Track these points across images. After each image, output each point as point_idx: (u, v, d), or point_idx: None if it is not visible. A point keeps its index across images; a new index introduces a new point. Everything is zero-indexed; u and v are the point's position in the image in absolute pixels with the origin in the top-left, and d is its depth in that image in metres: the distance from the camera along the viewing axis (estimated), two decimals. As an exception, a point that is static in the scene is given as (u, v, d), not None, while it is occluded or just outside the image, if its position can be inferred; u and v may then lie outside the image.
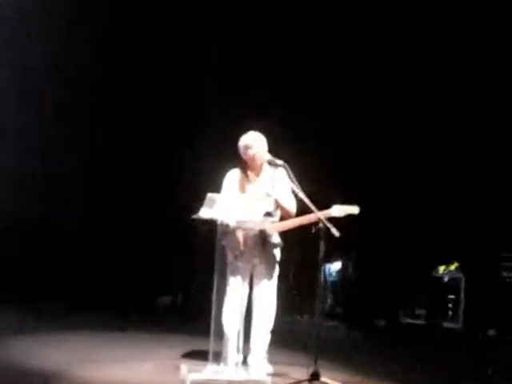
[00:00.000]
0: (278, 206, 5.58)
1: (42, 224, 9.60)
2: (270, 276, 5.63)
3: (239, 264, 5.49)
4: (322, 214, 5.18)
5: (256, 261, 5.55)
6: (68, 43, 9.60)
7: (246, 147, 5.56)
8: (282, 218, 5.61)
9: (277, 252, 5.67)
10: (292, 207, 5.58)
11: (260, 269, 5.60)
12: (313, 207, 5.20)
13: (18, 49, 9.31)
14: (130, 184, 10.12)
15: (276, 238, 5.65)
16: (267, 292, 5.62)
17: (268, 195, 5.53)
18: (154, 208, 10.09)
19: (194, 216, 5.04)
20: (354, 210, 5.43)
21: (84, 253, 9.76)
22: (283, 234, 5.70)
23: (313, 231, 5.11)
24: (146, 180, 10.06)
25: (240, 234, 5.45)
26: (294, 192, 5.40)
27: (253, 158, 5.55)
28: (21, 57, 9.35)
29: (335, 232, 5.06)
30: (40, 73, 9.40)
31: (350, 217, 5.44)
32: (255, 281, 5.63)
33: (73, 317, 8.16)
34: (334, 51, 9.82)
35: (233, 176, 5.66)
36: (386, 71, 9.83)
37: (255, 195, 5.50)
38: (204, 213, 4.96)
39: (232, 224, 5.34)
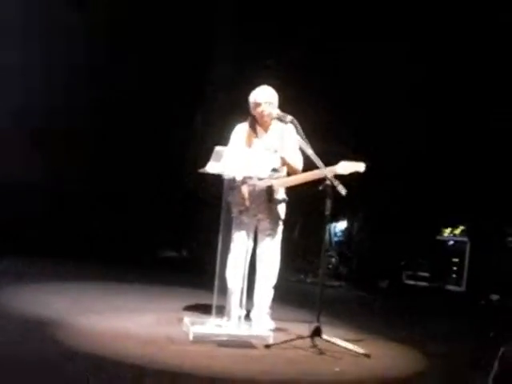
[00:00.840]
0: (284, 162, 5.54)
1: (54, 182, 9.62)
2: (275, 232, 5.62)
3: (244, 219, 5.47)
4: (327, 171, 5.13)
5: (261, 216, 5.54)
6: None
7: (256, 102, 5.51)
8: (288, 175, 5.58)
9: (282, 208, 5.65)
10: (298, 164, 5.55)
11: (264, 224, 5.59)
12: (320, 164, 5.15)
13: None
14: (137, 139, 10.07)
15: (281, 194, 5.62)
16: (271, 248, 5.62)
17: (275, 152, 5.48)
18: (161, 163, 10.06)
19: (201, 170, 4.99)
20: (360, 167, 5.37)
21: (91, 207, 9.77)
22: (289, 191, 5.67)
23: (320, 188, 5.07)
24: (154, 134, 10.01)
25: (245, 190, 5.42)
26: (301, 148, 5.35)
27: (262, 113, 5.50)
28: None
29: (342, 190, 5.01)
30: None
31: (356, 176, 5.38)
32: (259, 236, 5.62)
33: (77, 268, 8.20)
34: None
35: (241, 130, 5.62)
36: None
37: (262, 150, 5.45)
38: (211, 167, 4.91)
39: (238, 178, 5.31)
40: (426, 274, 10.29)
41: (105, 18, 9.83)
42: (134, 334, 4.94)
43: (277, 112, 5.44)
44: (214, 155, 4.90)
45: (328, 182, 5.03)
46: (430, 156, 9.86)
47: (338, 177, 5.15)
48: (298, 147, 5.47)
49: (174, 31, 9.95)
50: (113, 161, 10.02)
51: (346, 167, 5.29)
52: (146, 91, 10.00)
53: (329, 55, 9.72)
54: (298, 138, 5.30)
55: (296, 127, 5.30)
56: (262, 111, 5.49)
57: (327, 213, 5.07)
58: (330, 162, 5.27)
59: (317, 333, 4.99)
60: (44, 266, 8.07)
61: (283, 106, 5.55)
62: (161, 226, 10.13)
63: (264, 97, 5.51)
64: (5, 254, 8.03)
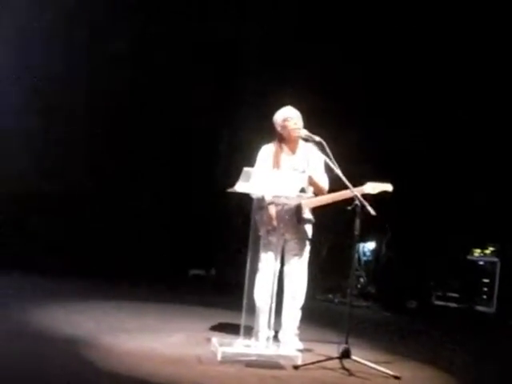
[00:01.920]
0: (311, 182, 5.54)
1: (81, 197, 9.70)
2: (302, 252, 5.61)
3: (271, 239, 5.47)
4: (356, 191, 5.14)
5: (288, 236, 5.54)
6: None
7: (285, 117, 5.55)
8: (315, 195, 5.58)
9: (309, 228, 5.66)
10: (325, 184, 5.57)
11: (291, 244, 5.59)
12: (348, 184, 5.16)
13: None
14: (167, 157, 10.14)
15: (308, 215, 5.62)
16: (298, 268, 5.61)
17: (303, 172, 5.49)
18: (190, 182, 10.11)
19: (230, 189, 5.01)
20: (388, 187, 5.39)
21: (120, 226, 9.83)
22: (317, 212, 5.67)
23: (349, 209, 5.07)
24: (182, 153, 10.07)
25: (273, 209, 5.43)
26: (329, 168, 5.35)
27: (292, 127, 5.51)
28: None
29: (371, 210, 5.01)
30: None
31: (385, 196, 5.38)
32: (286, 256, 5.61)
33: (106, 286, 8.25)
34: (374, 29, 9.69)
35: (267, 151, 5.64)
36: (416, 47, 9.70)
37: (289, 171, 5.46)
38: (240, 186, 4.93)
39: (268, 198, 5.32)
40: (455, 295, 10.16)
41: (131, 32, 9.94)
42: (163, 354, 4.94)
43: (305, 132, 5.45)
44: (242, 175, 4.91)
45: (357, 202, 5.02)
46: (461, 175, 9.79)
47: (366, 198, 5.15)
48: (324, 168, 5.48)
49: (199, 48, 10.03)
50: (141, 179, 10.09)
51: (374, 187, 5.32)
52: (173, 109, 10.09)
53: (354, 76, 9.71)
54: (326, 158, 5.30)
55: (324, 148, 5.30)
56: (294, 124, 5.51)
57: (356, 233, 5.06)
58: (357, 182, 5.28)
59: (346, 354, 4.95)
60: (73, 284, 8.13)
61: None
62: (190, 245, 10.15)
63: (294, 113, 5.55)
64: (33, 273, 8.13)
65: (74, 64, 9.56)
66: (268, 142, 5.71)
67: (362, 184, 5.35)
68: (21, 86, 9.21)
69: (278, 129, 5.61)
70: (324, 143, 5.29)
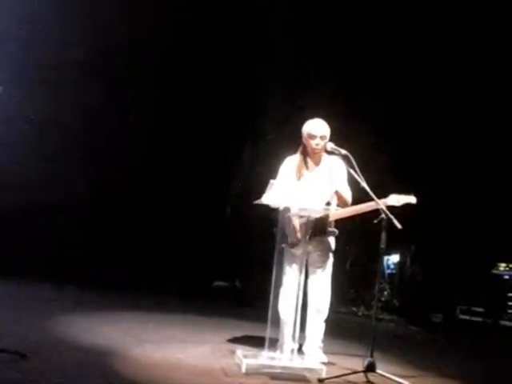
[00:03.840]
0: (337, 195, 5.55)
1: (105, 208, 9.79)
2: (325, 264, 5.61)
3: (296, 252, 5.47)
4: (380, 203, 5.14)
5: (311, 248, 5.53)
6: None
7: (311, 134, 5.54)
8: (339, 207, 5.58)
9: (332, 240, 5.65)
10: (349, 197, 5.57)
11: (315, 257, 5.58)
12: (374, 197, 5.16)
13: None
14: (189, 169, 10.19)
15: (332, 228, 5.62)
16: (322, 281, 5.59)
17: (327, 184, 5.50)
18: (215, 193, 10.15)
19: (256, 201, 5.03)
20: (412, 199, 5.39)
21: (145, 237, 9.89)
22: (340, 224, 5.67)
23: (375, 222, 5.07)
24: (207, 165, 10.12)
25: (297, 222, 5.43)
26: (354, 181, 5.36)
27: (315, 147, 5.52)
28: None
29: (397, 224, 5.00)
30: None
31: (410, 210, 5.38)
32: (310, 269, 5.59)
33: (131, 298, 8.30)
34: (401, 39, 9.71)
35: (291, 163, 5.65)
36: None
37: (313, 183, 5.47)
38: (266, 199, 4.95)
39: (294, 210, 5.33)
40: (480, 309, 10.09)
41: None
42: (188, 365, 4.96)
43: (331, 146, 5.45)
44: (269, 187, 4.94)
45: (383, 215, 5.03)
46: (487, 189, 9.73)
47: (395, 210, 5.16)
48: (347, 180, 5.50)
49: (222, 64, 10.09)
50: (166, 191, 10.15)
51: (399, 199, 5.33)
52: (195, 121, 10.16)
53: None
54: (351, 171, 5.30)
55: (350, 161, 5.30)
56: (316, 144, 5.52)
57: (383, 246, 5.05)
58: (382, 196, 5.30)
59: (371, 368, 4.94)
60: (99, 295, 8.20)
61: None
62: (214, 257, 10.19)
63: (319, 130, 5.52)
64: (61, 284, 8.21)
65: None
66: (292, 153, 5.72)
67: (385, 196, 5.36)
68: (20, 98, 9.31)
69: (303, 140, 5.63)
70: (350, 156, 5.30)
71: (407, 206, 5.38)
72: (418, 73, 9.65)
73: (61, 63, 9.46)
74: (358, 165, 5.25)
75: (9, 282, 8.26)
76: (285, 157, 5.71)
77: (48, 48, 9.36)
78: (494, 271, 10.22)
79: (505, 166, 9.71)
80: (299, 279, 5.37)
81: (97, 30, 9.42)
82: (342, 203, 5.57)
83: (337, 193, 5.53)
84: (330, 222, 5.57)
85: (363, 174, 5.24)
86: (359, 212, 5.49)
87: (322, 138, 5.50)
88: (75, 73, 9.60)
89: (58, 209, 9.48)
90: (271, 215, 5.28)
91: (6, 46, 9.01)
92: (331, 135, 5.53)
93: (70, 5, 9.46)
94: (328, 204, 5.33)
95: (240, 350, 5.19)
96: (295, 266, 5.46)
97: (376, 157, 8.69)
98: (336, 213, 5.53)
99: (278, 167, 5.67)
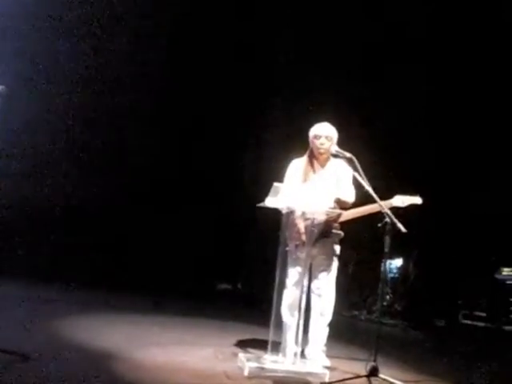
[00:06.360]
0: (337, 202, 5.52)
1: (111, 212, 9.79)
2: (329, 268, 5.59)
3: (300, 255, 5.45)
4: (383, 204, 5.13)
5: (315, 252, 5.51)
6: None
7: (316, 134, 5.55)
8: (341, 209, 5.57)
9: (336, 244, 5.64)
10: (350, 198, 5.55)
11: (319, 260, 5.56)
12: (378, 200, 5.15)
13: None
14: (194, 173, 10.19)
15: (336, 230, 5.60)
16: (326, 284, 5.58)
17: (332, 187, 5.49)
18: (217, 197, 10.14)
19: (260, 204, 5.02)
20: (417, 200, 5.39)
21: (148, 240, 9.88)
22: (343, 227, 5.65)
23: (379, 226, 5.05)
24: (211, 169, 10.12)
25: (301, 225, 5.42)
26: (358, 184, 5.34)
27: (320, 146, 5.51)
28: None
29: (401, 228, 4.99)
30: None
31: (413, 214, 5.36)
32: (314, 273, 5.58)
33: (135, 301, 8.29)
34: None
35: (297, 165, 5.65)
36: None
37: (319, 186, 5.46)
38: (269, 201, 4.94)
39: (298, 213, 5.31)
40: (483, 314, 10.06)
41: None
42: (190, 368, 4.94)
43: (336, 149, 5.45)
44: (272, 190, 4.93)
45: (387, 220, 5.01)
46: (490, 193, 9.71)
47: (401, 213, 5.15)
48: (351, 182, 5.49)
49: (229, 68, 10.09)
50: (168, 195, 10.15)
51: (403, 200, 5.32)
52: (202, 123, 10.16)
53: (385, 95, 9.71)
54: (356, 174, 5.29)
55: (355, 164, 5.29)
56: (321, 144, 5.52)
57: (386, 250, 5.04)
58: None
59: (374, 372, 4.92)
60: (102, 298, 8.19)
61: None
62: (217, 259, 10.18)
63: (325, 131, 5.54)
64: (65, 286, 8.22)
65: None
66: (298, 155, 5.71)
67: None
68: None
69: (310, 143, 5.63)
70: (354, 159, 5.29)
71: (411, 207, 5.36)
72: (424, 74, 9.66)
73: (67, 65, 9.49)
74: (362, 168, 5.25)
75: (13, 284, 8.26)
76: (291, 158, 5.70)
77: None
78: (497, 276, 10.18)
79: (509, 170, 9.69)
80: (303, 282, 5.37)
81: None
82: (343, 206, 5.56)
83: (338, 200, 5.49)
84: (335, 225, 5.56)
85: (368, 178, 5.24)
86: (363, 214, 5.49)
87: (327, 138, 5.51)
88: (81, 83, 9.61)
89: (65, 210, 9.49)
90: (275, 217, 5.26)
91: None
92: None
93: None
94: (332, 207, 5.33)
95: (242, 354, 5.19)
96: (299, 269, 5.44)
97: (381, 160, 8.69)
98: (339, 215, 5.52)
99: (284, 169, 5.67)
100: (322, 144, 5.52)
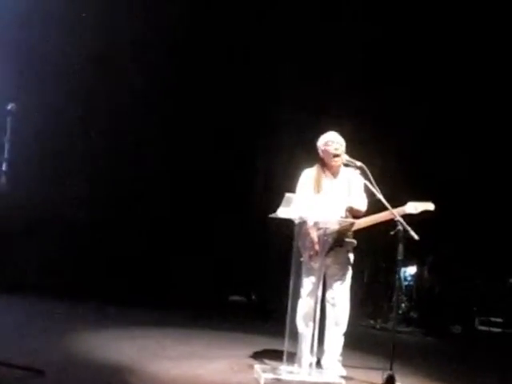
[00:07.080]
0: (350, 211, 5.51)
1: (120, 224, 9.82)
2: (344, 277, 5.58)
3: (314, 265, 5.44)
4: (396, 211, 5.12)
5: (329, 261, 5.50)
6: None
7: (327, 141, 5.56)
8: (353, 218, 5.56)
9: (350, 252, 5.63)
10: (362, 207, 5.55)
11: (333, 269, 5.56)
12: (390, 208, 5.14)
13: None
14: (205, 183, 10.19)
15: (349, 239, 5.59)
16: (341, 294, 5.57)
17: (344, 197, 5.48)
18: (229, 208, 10.14)
19: (272, 215, 5.02)
20: (430, 206, 5.37)
21: (161, 253, 9.88)
22: (358, 236, 5.64)
23: (391, 233, 5.04)
24: (221, 178, 10.12)
25: (315, 234, 5.41)
26: (370, 193, 5.34)
27: (334, 152, 5.51)
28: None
29: (414, 235, 4.97)
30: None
31: (426, 221, 5.34)
32: (328, 282, 5.57)
33: (148, 313, 8.29)
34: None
35: (309, 175, 5.65)
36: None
37: (331, 195, 5.45)
38: (282, 212, 4.94)
39: (311, 222, 5.31)
40: (499, 320, 9.99)
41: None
42: (206, 381, 4.94)
43: (346, 158, 5.46)
44: (284, 201, 4.93)
45: (400, 227, 5.00)
46: (504, 198, 9.67)
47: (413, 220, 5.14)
48: (363, 190, 5.49)
49: (237, 75, 10.10)
50: (181, 205, 10.16)
51: (416, 207, 5.31)
52: (211, 131, 10.19)
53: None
54: (367, 182, 5.29)
55: (365, 172, 5.29)
56: (335, 149, 5.51)
57: (400, 258, 5.02)
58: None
59: (390, 381, 4.89)
60: (115, 312, 8.19)
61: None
62: (230, 271, 10.17)
63: (335, 137, 5.56)
64: (77, 300, 8.23)
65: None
66: (310, 166, 5.72)
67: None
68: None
69: (320, 153, 5.62)
70: (365, 168, 5.29)
71: (424, 214, 5.35)
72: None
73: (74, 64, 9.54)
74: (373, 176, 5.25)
75: (25, 298, 8.29)
76: (303, 169, 5.70)
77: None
78: (513, 282, 10.13)
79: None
80: (317, 292, 5.36)
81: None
82: (355, 214, 5.55)
83: (350, 209, 5.49)
84: (348, 233, 5.55)
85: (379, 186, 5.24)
86: (376, 222, 5.47)
87: (338, 144, 5.52)
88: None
89: (72, 223, 9.52)
90: (289, 228, 5.25)
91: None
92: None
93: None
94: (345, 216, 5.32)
95: (258, 365, 5.18)
96: (313, 279, 5.44)
97: (394, 165, 8.68)
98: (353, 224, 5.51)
99: (296, 179, 5.67)
100: (336, 149, 5.52)
